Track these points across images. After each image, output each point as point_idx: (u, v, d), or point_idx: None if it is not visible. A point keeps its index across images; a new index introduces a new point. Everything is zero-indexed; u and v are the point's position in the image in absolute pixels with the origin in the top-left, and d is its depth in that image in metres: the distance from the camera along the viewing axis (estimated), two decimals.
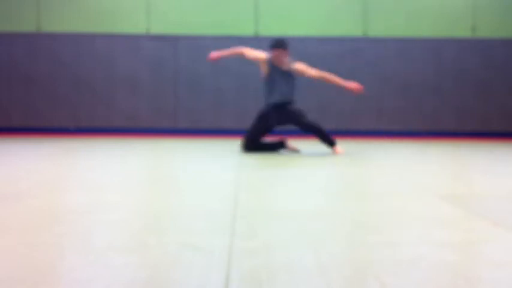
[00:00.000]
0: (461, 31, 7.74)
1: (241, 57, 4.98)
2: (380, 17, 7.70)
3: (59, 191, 2.54)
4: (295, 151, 4.85)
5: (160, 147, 5.46)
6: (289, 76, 4.80)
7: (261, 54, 4.85)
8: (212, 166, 3.64)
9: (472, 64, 7.71)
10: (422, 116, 7.70)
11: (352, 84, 4.82)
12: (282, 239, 1.58)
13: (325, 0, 7.67)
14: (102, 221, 1.82)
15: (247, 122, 5.71)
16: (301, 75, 4.86)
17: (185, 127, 7.57)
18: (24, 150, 4.89)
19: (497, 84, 7.74)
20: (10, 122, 7.45)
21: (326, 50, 7.56)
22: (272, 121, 4.81)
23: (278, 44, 4.74)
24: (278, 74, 4.77)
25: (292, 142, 5.52)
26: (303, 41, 7.55)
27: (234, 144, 5.73)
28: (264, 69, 4.84)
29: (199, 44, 7.50)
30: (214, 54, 4.93)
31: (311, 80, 5.17)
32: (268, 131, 4.87)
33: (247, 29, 7.61)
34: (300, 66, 4.81)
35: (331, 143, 4.79)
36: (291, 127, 4.97)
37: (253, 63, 5.19)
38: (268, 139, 5.06)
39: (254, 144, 4.82)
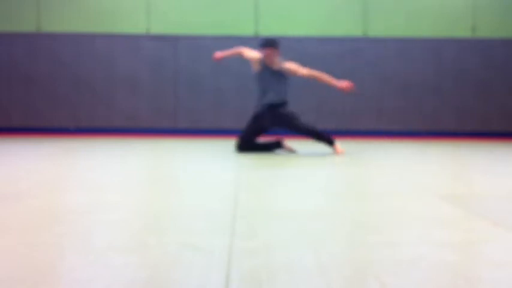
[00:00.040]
0: (461, 31, 7.74)
1: (241, 57, 4.99)
2: (380, 17, 7.70)
3: (59, 191, 2.54)
4: (291, 151, 4.84)
5: (160, 147, 5.46)
6: (281, 76, 4.77)
7: (255, 54, 4.85)
8: (212, 166, 3.64)
9: (472, 64, 7.71)
10: (422, 116, 7.69)
11: (344, 83, 4.78)
12: (282, 239, 1.58)
13: (325, 0, 7.67)
14: (102, 221, 1.82)
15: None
16: (293, 74, 4.81)
17: (185, 127, 7.57)
18: (24, 150, 4.88)
19: (497, 84, 7.74)
20: (10, 122, 7.45)
21: (326, 50, 7.56)
22: (266, 122, 4.80)
23: (269, 43, 4.72)
24: (269, 74, 4.76)
25: (291, 142, 5.51)
26: (303, 41, 7.55)
27: (234, 145, 5.73)
28: (255, 68, 4.84)
29: (199, 44, 7.51)
30: (219, 54, 4.95)
31: (310, 80, 5.16)
32: (263, 131, 4.86)
33: (247, 29, 7.61)
34: (291, 66, 4.78)
35: (330, 143, 4.76)
36: None
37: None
38: (265, 139, 5.05)
39: (248, 144, 4.80)
